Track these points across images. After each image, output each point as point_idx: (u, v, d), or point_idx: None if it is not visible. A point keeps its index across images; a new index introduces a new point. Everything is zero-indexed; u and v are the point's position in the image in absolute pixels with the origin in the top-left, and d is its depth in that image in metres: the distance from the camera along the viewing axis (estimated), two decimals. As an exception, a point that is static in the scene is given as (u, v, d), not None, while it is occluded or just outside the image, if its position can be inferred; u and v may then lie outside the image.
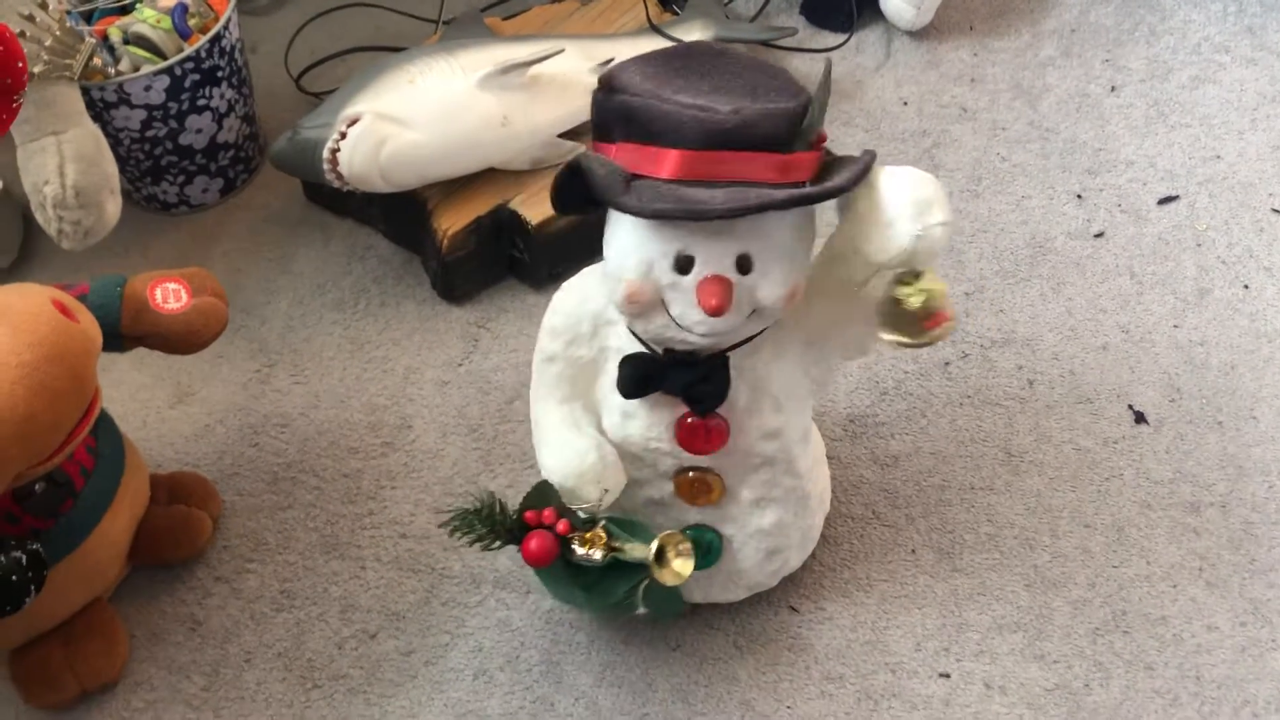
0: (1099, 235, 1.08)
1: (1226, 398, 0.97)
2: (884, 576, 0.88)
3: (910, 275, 0.65)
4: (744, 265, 0.66)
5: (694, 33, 1.15)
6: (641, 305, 0.67)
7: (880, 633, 0.85)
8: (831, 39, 1.25)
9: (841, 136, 1.17)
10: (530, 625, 0.87)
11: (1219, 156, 1.14)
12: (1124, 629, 0.85)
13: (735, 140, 0.63)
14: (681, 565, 0.73)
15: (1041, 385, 0.98)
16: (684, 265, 0.66)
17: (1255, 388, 0.97)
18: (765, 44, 1.23)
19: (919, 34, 1.26)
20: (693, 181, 0.63)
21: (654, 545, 0.73)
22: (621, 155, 0.65)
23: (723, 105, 0.63)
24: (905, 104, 1.20)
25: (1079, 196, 1.11)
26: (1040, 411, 0.96)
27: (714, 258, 0.65)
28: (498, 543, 0.75)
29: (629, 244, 0.66)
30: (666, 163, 0.63)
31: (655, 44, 1.12)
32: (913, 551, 0.89)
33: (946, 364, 1.00)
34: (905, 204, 0.64)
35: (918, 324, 0.66)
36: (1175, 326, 1.01)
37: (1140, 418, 0.96)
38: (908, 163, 1.12)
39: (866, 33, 1.27)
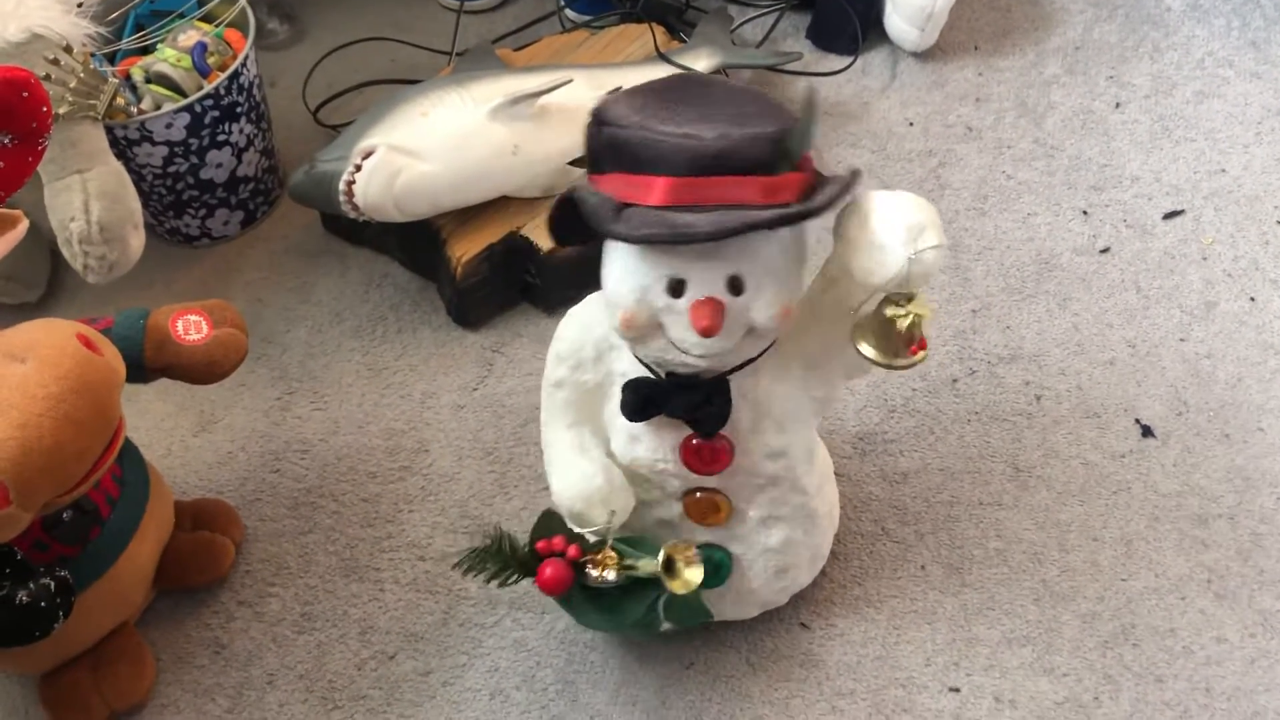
0: (1105, 250, 1.09)
1: (1233, 410, 0.97)
2: (894, 592, 0.89)
3: (902, 297, 0.66)
4: (736, 286, 0.66)
5: (701, 60, 1.16)
6: (639, 330, 0.68)
7: (890, 648, 0.86)
8: (837, 62, 1.27)
9: (848, 158, 1.18)
10: (545, 645, 0.88)
11: (1224, 170, 1.14)
12: (1133, 642, 0.85)
13: (720, 165, 0.63)
14: (691, 573, 0.74)
15: (1049, 400, 0.99)
16: (676, 289, 0.67)
17: (1262, 400, 0.98)
18: (772, 69, 1.25)
19: (924, 55, 1.27)
20: (681, 207, 0.64)
21: (661, 556, 0.74)
22: (613, 185, 0.66)
23: (708, 132, 0.64)
24: (911, 124, 1.21)
25: (1085, 212, 1.12)
26: (1048, 426, 0.97)
27: (705, 280, 0.66)
28: (514, 577, 0.76)
29: (624, 271, 0.68)
30: (655, 190, 0.64)
31: (662, 72, 1.14)
32: (922, 567, 0.90)
33: (954, 381, 1.00)
34: (898, 228, 0.64)
35: (902, 346, 0.67)
36: (1181, 340, 1.02)
37: (1147, 431, 0.96)
38: (914, 183, 1.16)
39: (872, 55, 1.28)
